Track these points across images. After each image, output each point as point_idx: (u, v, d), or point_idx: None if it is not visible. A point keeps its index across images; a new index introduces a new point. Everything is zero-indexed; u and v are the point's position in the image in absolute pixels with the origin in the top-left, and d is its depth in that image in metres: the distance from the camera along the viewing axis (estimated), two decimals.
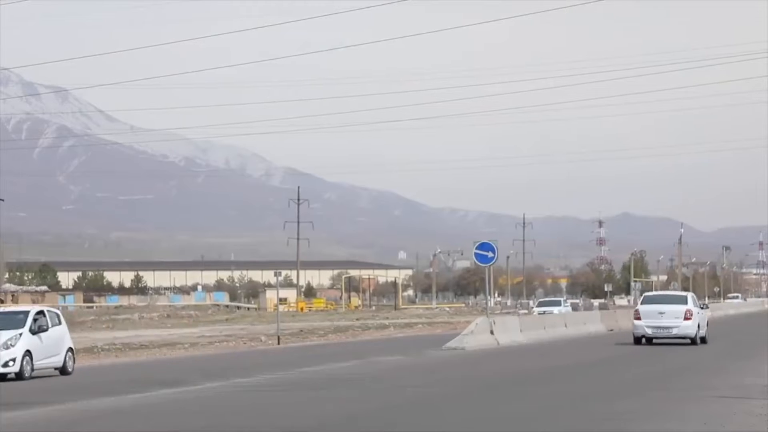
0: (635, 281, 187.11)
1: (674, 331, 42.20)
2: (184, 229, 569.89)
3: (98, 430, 18.11)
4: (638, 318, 42.74)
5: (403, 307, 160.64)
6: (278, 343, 53.18)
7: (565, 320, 55.95)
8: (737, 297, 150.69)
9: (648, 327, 42.36)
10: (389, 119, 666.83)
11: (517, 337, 45.55)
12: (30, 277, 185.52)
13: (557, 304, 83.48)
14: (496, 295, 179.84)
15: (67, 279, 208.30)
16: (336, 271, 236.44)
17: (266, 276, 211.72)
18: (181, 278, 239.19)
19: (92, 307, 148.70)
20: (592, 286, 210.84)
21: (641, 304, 44.07)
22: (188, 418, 19.11)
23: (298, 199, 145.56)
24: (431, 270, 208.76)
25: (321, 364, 33.60)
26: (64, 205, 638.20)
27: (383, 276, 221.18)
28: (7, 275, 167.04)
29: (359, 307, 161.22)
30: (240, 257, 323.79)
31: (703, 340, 43.04)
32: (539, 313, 71.21)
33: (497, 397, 21.91)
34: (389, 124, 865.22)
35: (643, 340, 42.47)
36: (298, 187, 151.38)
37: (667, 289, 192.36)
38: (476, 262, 48.26)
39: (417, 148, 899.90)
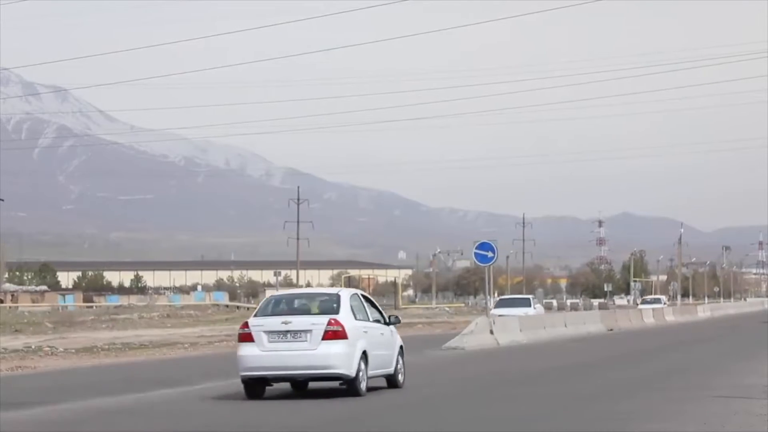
0: (635, 281, 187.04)
1: None
2: (184, 229, 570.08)
3: (98, 430, 18.11)
4: None
5: (402, 307, 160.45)
6: None
7: (566, 320, 56.18)
8: (659, 300, 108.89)
9: None
10: (389, 119, 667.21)
11: (517, 337, 45.57)
12: (30, 277, 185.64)
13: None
14: (496, 295, 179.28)
15: (66, 279, 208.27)
16: (336, 271, 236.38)
17: (266, 276, 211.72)
18: (181, 278, 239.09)
19: (92, 307, 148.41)
20: (592, 286, 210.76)
21: None
22: (188, 418, 19.11)
23: (298, 199, 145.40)
24: (431, 270, 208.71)
25: None
26: (64, 205, 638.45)
27: (383, 276, 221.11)
28: (7, 275, 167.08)
29: None
30: (240, 257, 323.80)
31: None
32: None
33: (497, 396, 21.91)
34: (389, 124, 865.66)
35: None
36: (298, 187, 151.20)
37: (668, 289, 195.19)
38: (476, 262, 48.14)
39: (417, 148, 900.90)
